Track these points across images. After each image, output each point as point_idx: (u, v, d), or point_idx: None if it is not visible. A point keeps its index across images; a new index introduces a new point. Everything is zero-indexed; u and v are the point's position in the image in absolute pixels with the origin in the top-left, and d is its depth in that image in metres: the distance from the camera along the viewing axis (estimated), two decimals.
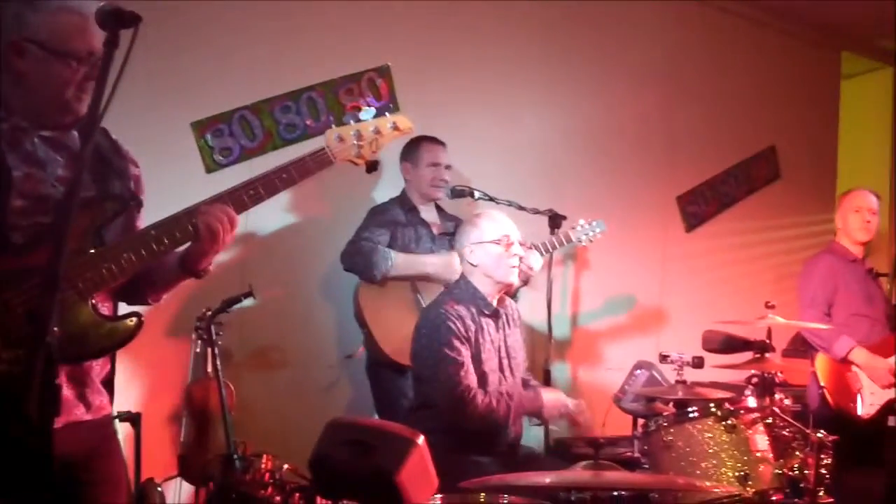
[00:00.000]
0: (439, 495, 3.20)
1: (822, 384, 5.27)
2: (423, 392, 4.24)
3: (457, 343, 4.05)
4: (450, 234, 5.00)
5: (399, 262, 4.87)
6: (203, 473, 4.40)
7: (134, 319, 2.42)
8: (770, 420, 4.16)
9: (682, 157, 7.03)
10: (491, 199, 5.15)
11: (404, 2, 5.58)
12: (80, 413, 2.46)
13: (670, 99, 6.93)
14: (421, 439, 3.22)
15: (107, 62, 2.02)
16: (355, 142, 2.66)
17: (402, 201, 5.16)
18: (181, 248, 2.50)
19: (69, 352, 2.31)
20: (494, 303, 4.28)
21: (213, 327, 4.45)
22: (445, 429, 3.99)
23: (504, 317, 4.35)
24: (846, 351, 5.24)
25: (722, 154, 7.31)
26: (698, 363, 4.97)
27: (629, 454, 4.58)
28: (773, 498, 3.99)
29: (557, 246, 5.19)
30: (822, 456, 4.10)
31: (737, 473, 3.95)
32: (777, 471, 4.02)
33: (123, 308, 2.57)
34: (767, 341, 5.01)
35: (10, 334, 2.20)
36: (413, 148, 5.14)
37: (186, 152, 4.94)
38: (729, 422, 4.03)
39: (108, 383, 2.57)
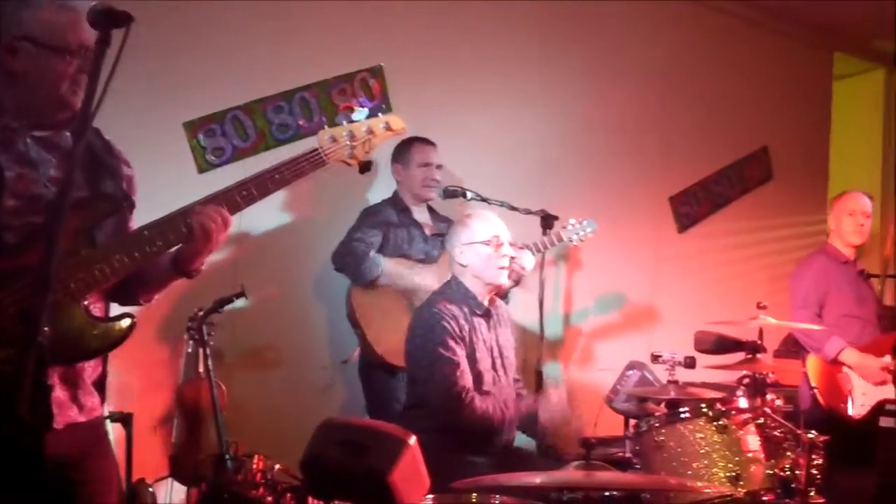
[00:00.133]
0: (431, 495, 3.20)
1: (813, 385, 5.28)
2: (416, 392, 4.25)
3: (451, 343, 4.06)
4: (442, 235, 5.00)
5: (389, 271, 4.88)
6: (194, 473, 4.40)
7: (127, 321, 2.42)
8: (761, 420, 4.17)
9: (675, 158, 7.03)
10: (483, 200, 5.15)
11: (398, 2, 5.57)
12: (74, 415, 2.45)
13: (663, 99, 6.93)
14: (413, 439, 3.22)
15: (98, 61, 2.02)
16: (348, 142, 2.66)
17: (395, 202, 5.16)
18: (173, 249, 2.50)
19: (62, 353, 2.31)
20: (486, 302, 4.29)
21: (204, 327, 4.45)
22: (438, 428, 3.99)
23: (495, 316, 4.36)
24: (837, 351, 5.25)
25: (714, 154, 7.32)
26: (690, 363, 4.96)
27: (621, 454, 4.58)
28: (765, 498, 3.99)
29: (549, 246, 5.19)
30: (814, 456, 4.11)
31: (728, 474, 3.95)
32: (768, 471, 4.02)
33: (115, 309, 2.56)
34: (759, 342, 5.02)
35: (2, 334, 2.20)
36: (403, 149, 5.14)
37: (179, 152, 4.93)
38: (720, 422, 4.04)
39: (100, 384, 2.56)
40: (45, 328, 1.84)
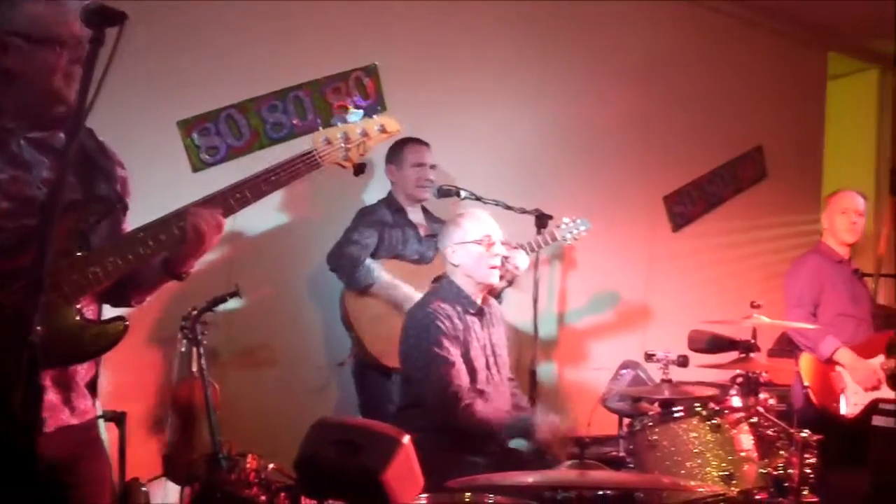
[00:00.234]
0: (425, 495, 3.20)
1: (806, 384, 5.29)
2: (411, 392, 4.25)
3: (446, 342, 4.07)
4: (436, 236, 5.00)
5: (382, 281, 4.89)
6: (188, 473, 4.39)
7: (120, 324, 2.42)
8: (755, 419, 4.17)
9: (670, 157, 7.04)
10: (478, 199, 5.16)
11: (392, 1, 5.57)
12: (66, 417, 2.45)
13: (657, 98, 6.93)
14: (406, 439, 3.22)
15: (92, 61, 2.02)
16: (343, 144, 2.66)
17: (390, 202, 5.16)
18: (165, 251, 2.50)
19: (55, 356, 2.31)
20: (479, 301, 4.30)
21: (198, 326, 4.44)
22: (433, 428, 4.00)
23: (488, 315, 4.37)
24: (831, 351, 5.26)
25: (709, 154, 7.32)
26: (683, 362, 4.96)
27: (615, 453, 4.58)
28: (758, 497, 4.00)
29: (543, 245, 5.20)
30: (807, 455, 4.11)
31: (721, 473, 3.96)
32: (761, 470, 4.03)
33: (107, 310, 2.56)
34: (753, 341, 5.02)
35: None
36: (397, 150, 5.14)
37: (173, 151, 4.92)
38: (714, 421, 4.04)
39: (92, 386, 2.56)
40: (39, 329, 1.84)
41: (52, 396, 2.39)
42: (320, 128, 2.68)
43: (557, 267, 6.36)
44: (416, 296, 4.74)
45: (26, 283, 1.87)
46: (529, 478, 3.06)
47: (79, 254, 2.37)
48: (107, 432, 4.02)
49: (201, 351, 4.41)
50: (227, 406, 4.57)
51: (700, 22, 7.20)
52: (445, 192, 5.15)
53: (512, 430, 4.26)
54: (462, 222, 4.31)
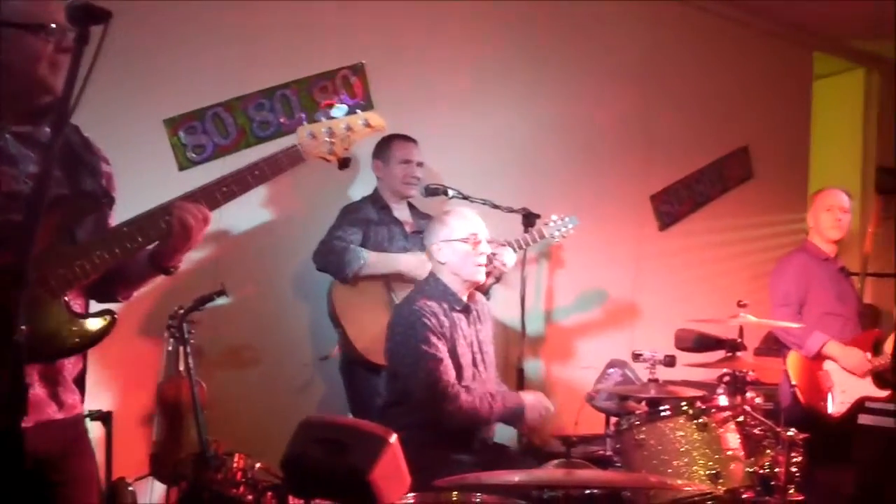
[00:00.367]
0: (412, 493, 3.20)
1: (793, 382, 5.30)
2: (397, 388, 4.24)
3: (433, 339, 4.07)
4: (422, 233, 4.99)
5: (371, 260, 4.87)
6: (175, 472, 4.38)
7: (107, 317, 2.41)
8: (741, 418, 4.18)
9: (656, 156, 7.05)
10: (465, 198, 5.16)
11: (379, 0, 5.56)
12: (53, 412, 2.44)
13: (644, 97, 6.94)
14: (394, 438, 3.22)
15: (77, 58, 2.01)
16: (327, 139, 2.66)
17: (375, 199, 5.15)
18: (152, 245, 2.49)
19: (42, 350, 2.30)
20: (465, 298, 4.30)
21: (185, 325, 4.43)
22: (419, 425, 4.00)
23: (475, 312, 4.37)
24: (820, 345, 5.27)
25: (695, 153, 7.33)
26: (670, 362, 4.98)
27: (602, 452, 4.60)
28: (744, 496, 4.01)
29: (531, 242, 5.20)
30: (793, 454, 4.12)
31: (708, 471, 3.97)
32: (748, 469, 4.04)
33: (94, 305, 2.55)
34: (739, 340, 5.03)
35: None
36: (384, 146, 5.13)
37: (159, 149, 4.91)
38: (701, 420, 4.05)
39: (80, 382, 2.55)
40: (23, 325, 1.83)
41: (38, 391, 2.38)
42: (305, 124, 2.68)
43: (545, 265, 6.36)
44: (410, 266, 4.74)
45: (9, 279, 1.86)
46: (517, 477, 3.06)
47: (65, 249, 2.36)
48: (93, 431, 4.01)
49: (188, 350, 4.40)
50: (214, 405, 4.56)
51: (686, 22, 7.22)
52: (433, 191, 5.15)
53: (504, 415, 4.25)
54: (448, 220, 4.31)
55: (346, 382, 5.06)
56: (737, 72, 7.55)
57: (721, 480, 3.95)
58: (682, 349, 5.74)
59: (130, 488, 4.36)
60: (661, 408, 4.20)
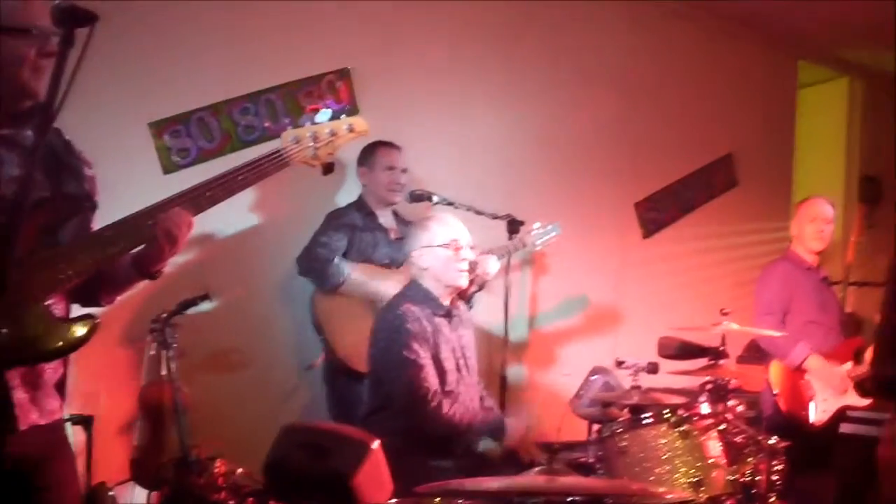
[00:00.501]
0: (394, 499, 3.20)
1: (775, 391, 5.31)
2: (379, 395, 4.24)
3: (416, 345, 4.07)
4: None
5: (353, 279, 4.88)
6: (156, 477, 4.36)
7: (89, 322, 2.40)
8: (723, 426, 4.19)
9: (641, 163, 7.06)
10: (449, 204, 5.17)
11: (365, 5, 5.56)
12: (34, 417, 2.43)
13: (629, 105, 6.96)
14: (376, 444, 3.22)
15: (62, 60, 2.01)
16: (311, 144, 2.66)
17: (360, 206, 5.15)
18: (135, 250, 2.48)
19: (23, 355, 2.29)
20: (447, 303, 4.31)
21: (168, 329, 4.41)
22: (401, 431, 3.99)
23: (457, 317, 4.38)
24: (802, 359, 5.28)
25: (680, 161, 7.35)
26: (653, 369, 4.99)
27: (584, 459, 4.59)
28: (726, 503, 4.02)
29: (513, 251, 5.21)
30: (774, 461, 4.14)
31: (690, 479, 3.98)
32: (730, 476, 4.05)
33: (76, 310, 2.54)
34: (722, 348, 5.04)
35: None
36: (369, 152, 5.13)
37: (144, 153, 4.90)
38: (683, 428, 4.06)
39: (60, 387, 2.54)
40: (4, 329, 1.82)
41: (19, 395, 2.37)
42: (290, 129, 2.68)
43: (528, 272, 6.37)
44: (389, 290, 4.74)
45: None
46: (498, 483, 3.06)
47: (47, 252, 2.35)
48: (74, 436, 3.99)
49: (171, 354, 4.39)
50: (196, 409, 4.54)
51: (672, 30, 7.24)
52: (417, 197, 5.15)
53: (482, 430, 4.26)
54: (429, 226, 4.32)
55: (329, 391, 5.06)
56: (722, 79, 7.58)
57: (703, 488, 3.96)
58: (665, 356, 5.75)
59: (111, 493, 4.34)
60: (644, 415, 4.20)
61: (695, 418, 4.15)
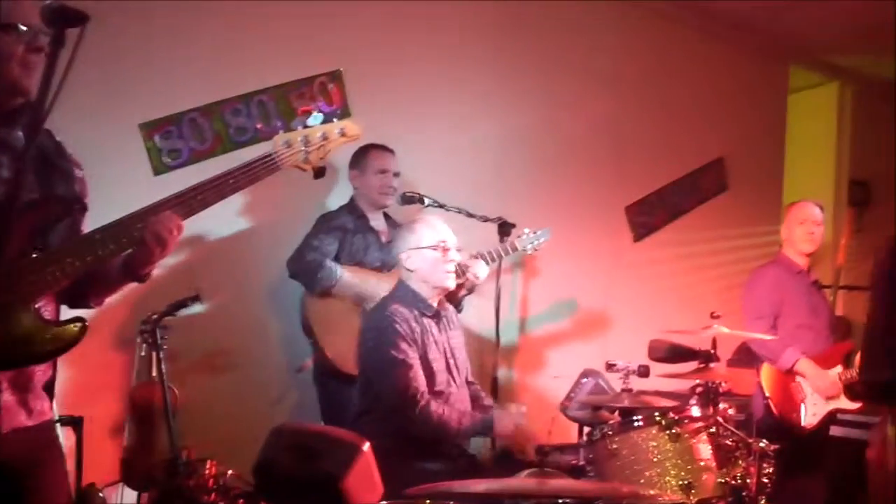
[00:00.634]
0: (384, 502, 3.19)
1: (767, 394, 5.32)
2: (368, 397, 4.24)
3: (404, 345, 4.07)
4: None
5: (344, 280, 4.87)
6: (146, 478, 4.36)
7: (78, 324, 2.40)
8: (714, 429, 4.20)
9: (632, 167, 7.07)
10: (441, 206, 5.17)
11: (358, 7, 5.55)
12: (23, 419, 2.43)
13: (621, 109, 6.97)
14: (367, 446, 3.22)
15: (52, 61, 2.00)
16: (303, 147, 2.66)
17: (351, 209, 5.15)
18: (125, 252, 2.48)
19: (12, 357, 2.29)
20: (435, 305, 4.31)
21: (158, 331, 4.41)
22: (390, 433, 3.99)
23: (445, 319, 4.38)
24: (792, 363, 5.28)
25: (671, 165, 7.37)
26: (644, 372, 5.00)
27: (574, 462, 4.59)
28: None
29: (503, 255, 5.21)
30: (764, 464, 4.15)
31: (680, 482, 3.98)
32: (720, 479, 4.05)
33: (66, 312, 2.54)
34: (712, 351, 5.05)
35: None
36: (361, 155, 5.13)
37: (135, 154, 4.89)
38: (673, 431, 4.06)
39: (49, 388, 2.54)
40: None
41: (7, 397, 2.36)
42: (281, 132, 2.68)
43: (519, 274, 6.37)
44: (380, 292, 4.73)
45: None
46: (488, 486, 3.06)
47: (36, 254, 2.34)
48: (64, 437, 3.98)
49: (161, 355, 4.38)
50: (186, 411, 4.55)
51: (663, 33, 7.25)
52: (409, 199, 5.15)
53: (474, 429, 4.25)
54: (416, 228, 4.32)
55: (320, 393, 5.05)
56: (713, 84, 7.60)
57: (693, 491, 3.96)
58: (656, 360, 5.76)
59: (101, 494, 4.33)
60: (634, 418, 4.20)
61: (685, 421, 4.15)
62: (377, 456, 3.29)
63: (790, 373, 5.32)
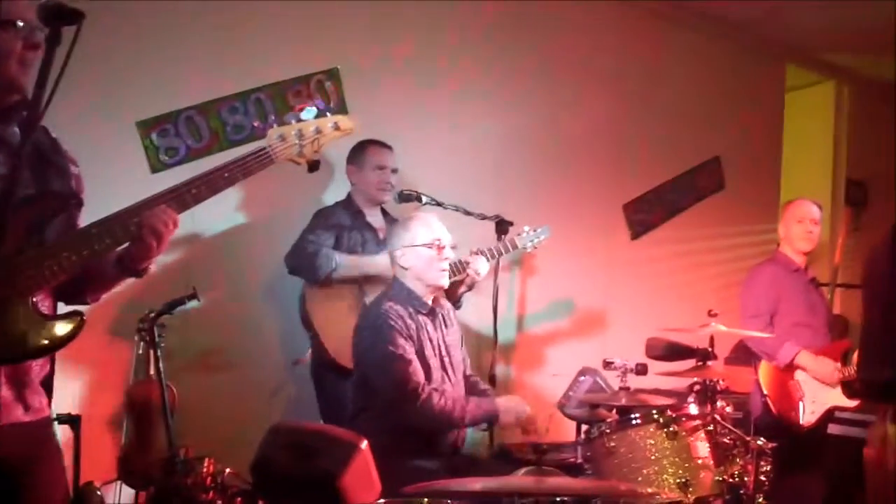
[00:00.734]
0: (382, 500, 3.19)
1: (765, 392, 5.32)
2: (364, 394, 4.23)
3: (400, 340, 4.08)
4: None
5: (343, 262, 4.86)
6: (144, 476, 4.35)
7: (76, 319, 2.39)
8: (711, 427, 4.20)
9: (629, 166, 7.08)
10: (438, 204, 5.17)
11: (355, 5, 5.55)
12: (19, 414, 2.42)
13: (618, 108, 6.97)
14: (364, 444, 3.21)
15: (49, 59, 2.00)
16: (297, 141, 2.67)
17: (348, 205, 5.14)
18: (121, 248, 2.48)
19: (9, 352, 2.29)
20: (429, 302, 4.31)
21: (155, 328, 4.40)
22: (388, 430, 3.98)
23: (440, 316, 4.38)
24: (792, 356, 5.28)
25: (668, 163, 7.37)
26: (641, 370, 5.00)
27: (572, 460, 4.60)
28: None
29: (503, 252, 5.21)
30: (762, 462, 4.15)
31: (678, 480, 3.98)
32: (717, 477, 4.06)
33: (63, 307, 2.53)
34: (710, 349, 5.05)
35: None
36: (358, 151, 5.13)
37: (131, 152, 4.88)
38: (671, 429, 4.06)
39: (46, 384, 2.53)
40: None
41: (5, 393, 2.37)
42: (275, 126, 2.68)
43: (517, 272, 6.37)
44: (381, 267, 4.72)
45: None
46: (486, 484, 3.06)
47: (33, 249, 2.34)
48: (61, 434, 3.98)
49: (159, 353, 4.37)
50: (184, 409, 4.54)
51: (661, 32, 7.25)
52: (406, 197, 5.14)
53: (475, 420, 4.25)
54: (410, 226, 4.32)
55: (318, 388, 5.04)
56: (710, 82, 7.60)
57: (690, 489, 3.97)
58: (653, 358, 5.76)
59: (98, 492, 4.32)
60: (632, 416, 4.21)
61: (683, 419, 4.16)
62: (374, 454, 3.29)
63: (790, 367, 5.32)
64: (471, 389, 4.48)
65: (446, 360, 4.33)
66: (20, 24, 2.33)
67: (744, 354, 5.79)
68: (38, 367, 2.48)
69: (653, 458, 4.05)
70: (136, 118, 4.91)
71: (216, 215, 5.05)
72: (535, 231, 5.33)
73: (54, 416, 2.70)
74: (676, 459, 4.04)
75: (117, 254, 2.51)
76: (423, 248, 4.25)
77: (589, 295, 6.71)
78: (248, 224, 5.25)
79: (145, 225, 2.42)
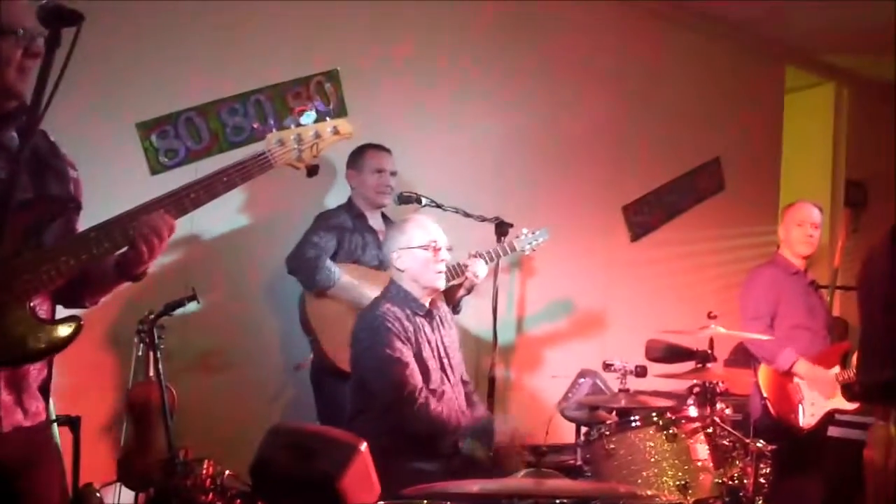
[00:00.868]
0: (381, 502, 3.19)
1: (764, 394, 5.31)
2: (362, 397, 4.23)
3: (398, 343, 4.07)
4: None
5: (342, 283, 4.87)
6: (143, 478, 4.35)
7: (73, 323, 2.39)
8: (711, 429, 4.20)
9: (629, 167, 7.08)
10: (438, 206, 5.17)
11: (355, 7, 5.55)
12: (18, 419, 2.42)
13: (619, 109, 6.98)
14: (364, 446, 3.21)
15: (48, 61, 2.00)
16: (296, 146, 2.67)
17: (349, 208, 5.15)
18: (118, 252, 2.47)
19: (7, 356, 2.28)
20: (426, 304, 4.30)
21: (155, 330, 4.40)
22: (386, 433, 3.98)
23: (437, 318, 4.38)
24: (790, 363, 5.27)
25: (668, 164, 7.37)
26: (641, 372, 5.00)
27: (572, 462, 4.60)
28: None
29: (502, 254, 5.21)
30: (761, 465, 4.15)
31: (677, 482, 3.99)
32: (717, 480, 4.06)
33: (61, 311, 2.53)
34: (709, 351, 5.05)
35: None
36: (358, 154, 5.13)
37: (131, 153, 4.88)
38: (670, 431, 4.07)
39: (44, 388, 2.53)
40: None
41: (5, 397, 2.36)
42: (274, 130, 2.68)
43: (516, 274, 6.37)
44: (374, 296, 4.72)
45: None
46: (485, 486, 3.06)
47: (31, 253, 2.33)
48: (60, 437, 3.97)
49: (158, 355, 4.37)
50: (183, 411, 4.54)
51: (661, 33, 7.26)
52: (406, 199, 5.15)
53: (469, 430, 4.25)
54: (406, 228, 4.32)
55: (316, 392, 5.04)
56: (710, 84, 7.60)
57: (690, 491, 3.97)
58: (653, 360, 5.75)
59: (98, 494, 4.32)
60: (632, 418, 4.21)
61: (682, 421, 4.16)
62: (373, 456, 3.29)
63: (788, 374, 5.32)
64: (467, 400, 4.47)
65: (445, 361, 4.32)
66: (21, 31, 2.32)
67: (743, 356, 5.79)
68: (35, 372, 2.48)
69: (652, 460, 4.05)
70: (136, 119, 4.91)
71: (216, 217, 5.06)
72: (533, 233, 5.33)
73: (54, 417, 2.69)
74: (676, 461, 4.04)
75: (116, 258, 2.50)
76: (419, 250, 4.25)
77: (588, 297, 6.71)
78: (248, 226, 5.25)
79: (141, 230, 2.42)
